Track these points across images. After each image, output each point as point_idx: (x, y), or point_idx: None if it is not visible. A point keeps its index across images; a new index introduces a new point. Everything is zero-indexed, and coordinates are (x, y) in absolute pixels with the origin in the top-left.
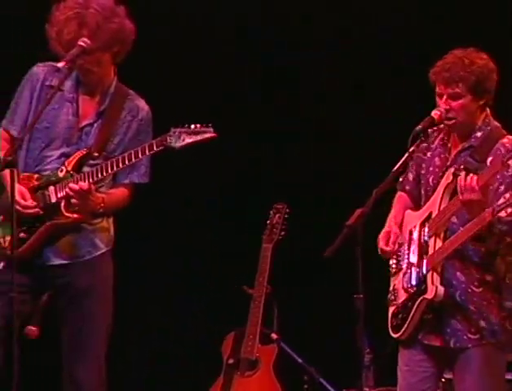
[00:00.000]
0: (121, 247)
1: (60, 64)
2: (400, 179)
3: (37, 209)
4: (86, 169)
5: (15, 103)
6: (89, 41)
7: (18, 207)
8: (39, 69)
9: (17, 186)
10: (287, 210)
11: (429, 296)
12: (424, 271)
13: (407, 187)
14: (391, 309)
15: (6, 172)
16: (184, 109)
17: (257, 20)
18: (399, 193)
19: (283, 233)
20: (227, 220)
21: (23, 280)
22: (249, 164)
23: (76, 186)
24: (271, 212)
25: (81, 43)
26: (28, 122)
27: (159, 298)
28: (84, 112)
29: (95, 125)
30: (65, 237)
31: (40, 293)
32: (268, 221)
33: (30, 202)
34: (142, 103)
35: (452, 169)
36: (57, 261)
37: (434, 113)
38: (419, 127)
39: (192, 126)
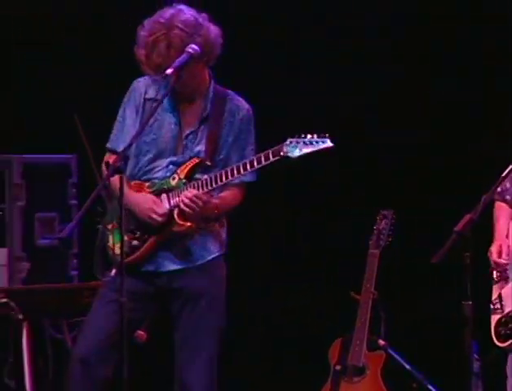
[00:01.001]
0: (233, 251)
1: (168, 71)
2: (499, 189)
3: (166, 218)
4: (197, 176)
5: (119, 122)
6: (197, 48)
7: (154, 215)
8: (139, 84)
9: (145, 194)
10: (394, 216)
11: None
12: None
13: (507, 197)
14: (496, 318)
15: (116, 178)
16: (293, 116)
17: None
18: (499, 203)
19: (390, 239)
20: (334, 225)
21: (135, 287)
22: (354, 169)
23: (190, 195)
24: (378, 218)
25: (189, 50)
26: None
27: (267, 304)
28: (186, 119)
29: (199, 131)
30: (178, 243)
31: (153, 300)
32: (375, 227)
33: (164, 210)
34: (241, 102)
35: None
36: (171, 267)
37: None
38: None
39: (309, 136)
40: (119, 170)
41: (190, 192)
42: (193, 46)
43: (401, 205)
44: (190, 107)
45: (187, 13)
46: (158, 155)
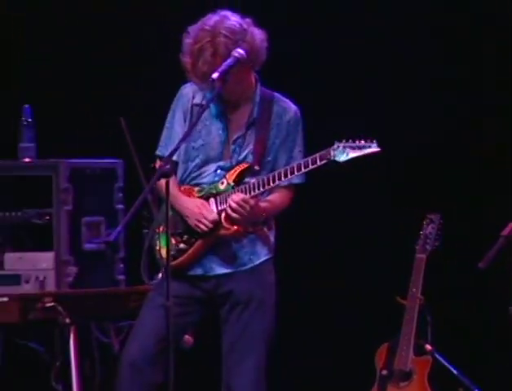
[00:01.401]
0: (281, 254)
1: (214, 75)
2: None
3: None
4: (246, 180)
5: (167, 128)
6: (243, 52)
7: (204, 221)
8: (187, 89)
9: (194, 199)
10: (441, 220)
11: None
12: None
13: None
14: None
15: (162, 182)
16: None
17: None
18: None
19: (437, 243)
20: (380, 229)
21: (182, 291)
22: (402, 172)
23: (238, 199)
24: (425, 222)
25: (235, 54)
26: (184, 143)
27: (313, 309)
28: (233, 125)
29: (247, 136)
30: (226, 246)
31: (200, 304)
32: (422, 232)
33: (214, 216)
34: (288, 104)
35: None
36: (219, 271)
37: None
38: None
39: (357, 141)
40: (166, 174)
41: (237, 196)
42: (239, 50)
43: (448, 208)
44: (237, 112)
45: (232, 19)
46: (206, 161)
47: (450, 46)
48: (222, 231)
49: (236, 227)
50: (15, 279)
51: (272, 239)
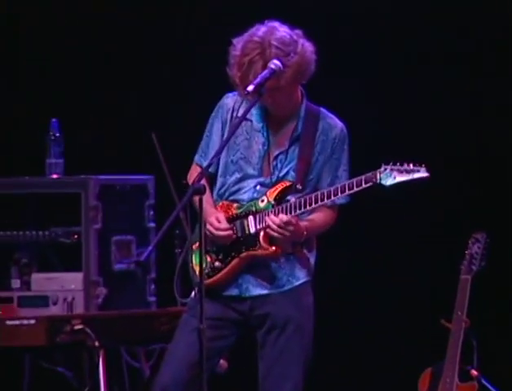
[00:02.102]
0: (321, 276)
1: (250, 88)
2: None
3: (229, 232)
4: (288, 199)
5: (206, 136)
6: (279, 63)
7: (210, 228)
8: (228, 99)
9: (213, 211)
10: (487, 239)
11: None
12: None
13: None
14: None
15: (196, 198)
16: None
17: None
18: None
19: (483, 264)
20: (423, 249)
21: (217, 313)
22: (446, 188)
23: (277, 220)
24: (470, 241)
25: (271, 66)
26: (221, 155)
27: (353, 332)
28: (276, 140)
29: (289, 152)
30: (263, 267)
31: (235, 327)
32: (467, 252)
33: (224, 225)
34: (334, 120)
35: None
36: (255, 292)
37: None
38: None
39: (405, 165)
40: (199, 191)
41: (278, 216)
42: (276, 61)
43: (495, 227)
44: (280, 126)
45: (282, 30)
46: (245, 176)
47: None
48: (260, 251)
49: (274, 248)
50: (42, 301)
51: (312, 261)
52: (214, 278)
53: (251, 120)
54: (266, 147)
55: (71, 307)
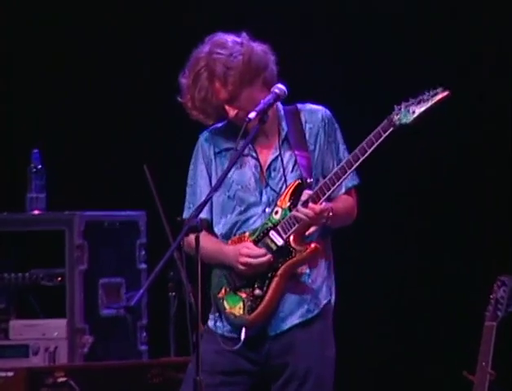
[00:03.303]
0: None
1: (251, 115)
2: None
3: (269, 256)
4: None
5: (190, 186)
6: (284, 88)
7: (248, 260)
8: (204, 137)
9: (232, 247)
10: None
11: None
12: None
13: None
14: None
15: (191, 238)
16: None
17: None
18: None
19: (509, 309)
20: (446, 294)
21: (229, 364)
22: (469, 230)
23: (308, 211)
24: (495, 285)
25: (275, 90)
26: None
27: (372, 382)
28: (264, 150)
29: (283, 155)
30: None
31: (248, 377)
32: (492, 296)
33: (261, 250)
34: (313, 106)
35: None
36: (281, 328)
37: None
38: None
39: (419, 95)
40: (195, 228)
41: (304, 208)
42: (280, 85)
43: None
44: (265, 137)
45: (221, 37)
46: (249, 206)
47: None
48: (298, 256)
49: (313, 245)
50: (22, 351)
51: (333, 284)
52: (260, 308)
53: (235, 149)
54: (259, 168)
55: (53, 357)
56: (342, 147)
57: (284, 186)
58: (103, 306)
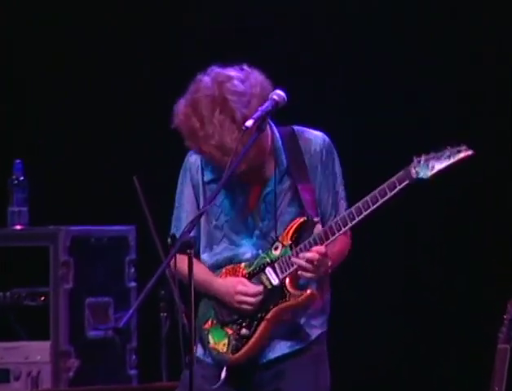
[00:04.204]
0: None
1: (248, 123)
2: None
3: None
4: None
5: (176, 208)
6: (283, 94)
7: (245, 298)
8: (193, 158)
9: (231, 279)
10: None
11: None
12: None
13: None
14: None
15: (183, 264)
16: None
17: None
18: None
19: None
20: (457, 315)
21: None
22: (483, 248)
23: (315, 255)
24: (509, 305)
25: (274, 97)
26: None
27: None
28: (260, 181)
29: (278, 187)
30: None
31: None
32: (505, 317)
33: (257, 287)
34: (311, 134)
35: None
36: (272, 355)
37: None
38: None
39: (441, 150)
40: (188, 244)
41: (315, 251)
42: (279, 91)
43: None
44: (260, 165)
45: (228, 73)
46: (238, 238)
47: None
48: (292, 300)
49: (309, 291)
50: (2, 375)
51: (328, 310)
52: (245, 349)
53: (234, 172)
54: (250, 200)
55: (36, 383)
56: (339, 181)
57: (275, 221)
58: (89, 328)
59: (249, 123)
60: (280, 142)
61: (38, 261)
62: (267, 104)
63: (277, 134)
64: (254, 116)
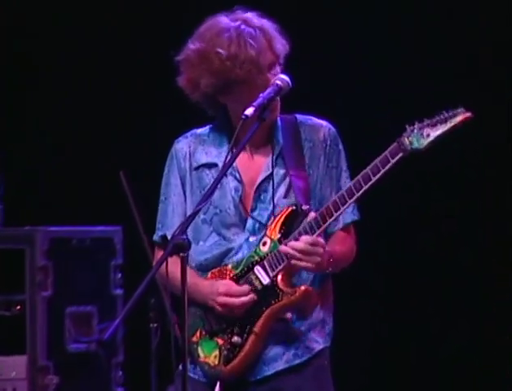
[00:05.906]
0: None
1: (248, 111)
2: None
3: (252, 295)
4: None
5: (162, 202)
6: (287, 79)
7: (227, 300)
8: (180, 144)
9: (212, 282)
10: None
11: None
12: None
13: None
14: None
15: (173, 261)
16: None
17: None
18: None
19: None
20: (474, 327)
21: None
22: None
23: (300, 244)
24: None
25: (277, 82)
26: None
27: None
28: (253, 167)
29: (276, 174)
30: (278, 331)
31: None
32: None
33: (242, 288)
34: (316, 121)
35: None
36: (279, 367)
37: None
38: None
39: (436, 115)
40: (181, 247)
41: (300, 241)
42: (283, 76)
43: None
44: (255, 149)
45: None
46: (229, 234)
47: None
48: (286, 299)
49: (303, 287)
50: None
51: (331, 325)
52: (238, 359)
53: (216, 164)
54: (240, 192)
55: None
56: (344, 174)
57: (271, 214)
58: (70, 340)
59: (250, 111)
60: (279, 122)
61: (13, 266)
62: (269, 90)
63: (279, 122)
64: (255, 103)
